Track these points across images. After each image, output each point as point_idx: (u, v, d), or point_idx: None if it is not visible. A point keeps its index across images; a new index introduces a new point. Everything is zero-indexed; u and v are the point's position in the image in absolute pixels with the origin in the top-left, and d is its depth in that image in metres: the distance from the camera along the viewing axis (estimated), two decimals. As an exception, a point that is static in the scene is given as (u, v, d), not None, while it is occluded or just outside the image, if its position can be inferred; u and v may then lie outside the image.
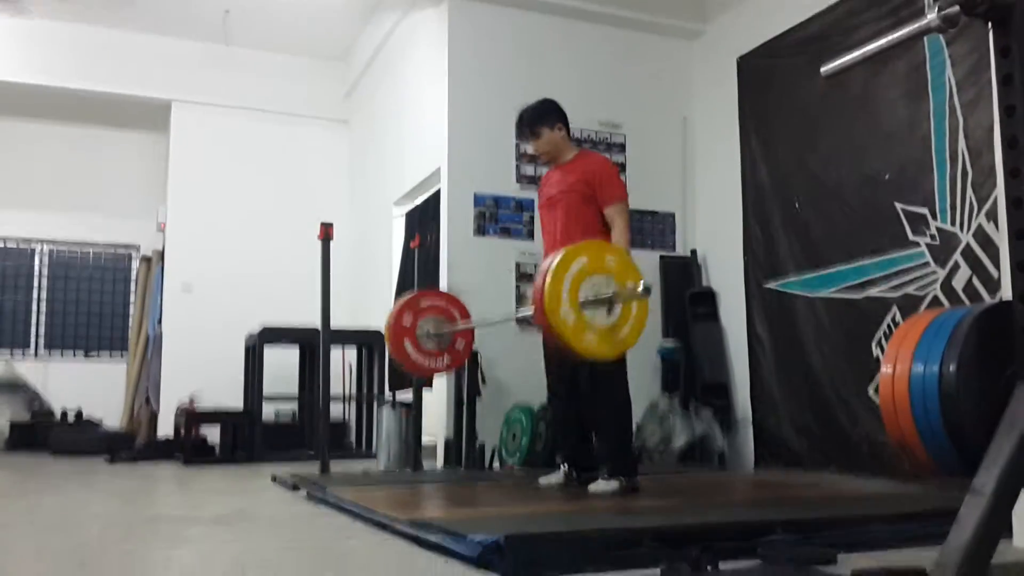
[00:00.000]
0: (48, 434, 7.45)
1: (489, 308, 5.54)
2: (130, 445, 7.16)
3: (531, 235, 5.73)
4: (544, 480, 3.98)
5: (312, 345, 6.99)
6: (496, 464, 5.30)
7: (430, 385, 5.80)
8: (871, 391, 4.54)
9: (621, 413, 3.81)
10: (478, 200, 5.70)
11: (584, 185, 3.82)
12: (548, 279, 3.00)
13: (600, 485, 3.64)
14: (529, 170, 5.82)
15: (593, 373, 3.71)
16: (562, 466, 3.98)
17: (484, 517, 2.97)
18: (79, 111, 8.53)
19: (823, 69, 2.46)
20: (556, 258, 3.06)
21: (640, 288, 2.94)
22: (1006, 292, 3.82)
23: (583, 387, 3.80)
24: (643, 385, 5.67)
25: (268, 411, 7.18)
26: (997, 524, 1.75)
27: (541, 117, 4.01)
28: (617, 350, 3.06)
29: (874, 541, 2.59)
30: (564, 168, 3.98)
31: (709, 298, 5.96)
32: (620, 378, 3.76)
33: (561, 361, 3.88)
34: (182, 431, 6.48)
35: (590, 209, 3.83)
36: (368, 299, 7.73)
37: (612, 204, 3.71)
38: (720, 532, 2.57)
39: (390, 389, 6.48)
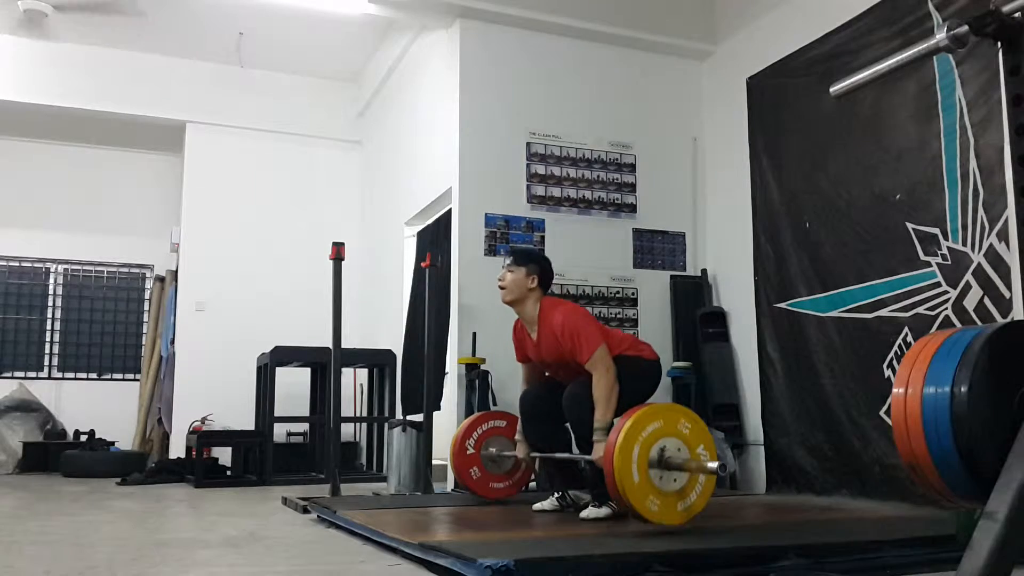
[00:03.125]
0: (60, 455, 7.47)
1: (499, 328, 5.54)
2: (142, 466, 7.17)
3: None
4: (537, 505, 3.97)
5: (323, 366, 7.01)
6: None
7: (438, 407, 5.80)
8: (883, 413, 4.50)
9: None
10: (489, 220, 5.71)
11: (561, 354, 3.81)
12: (620, 439, 3.00)
13: (591, 512, 3.61)
14: (540, 190, 5.83)
15: (576, 391, 3.69)
16: (554, 493, 3.97)
17: (494, 541, 2.96)
18: (94, 132, 8.62)
19: (832, 89, 2.46)
20: (629, 419, 3.06)
21: (715, 466, 2.93)
22: (1018, 312, 3.83)
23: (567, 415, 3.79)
24: (654, 406, 5.66)
25: (279, 432, 7.19)
26: (1011, 550, 1.72)
27: (527, 258, 4.04)
28: (682, 518, 3.04)
29: (887, 567, 2.56)
30: (537, 333, 3.94)
31: (720, 318, 5.94)
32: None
33: (541, 418, 3.94)
34: (194, 452, 6.49)
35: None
36: (379, 319, 7.75)
37: (588, 359, 3.69)
38: (731, 558, 2.55)
39: (404, 413, 6.47)
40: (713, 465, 2.93)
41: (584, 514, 3.62)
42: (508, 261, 4.05)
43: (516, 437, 4.15)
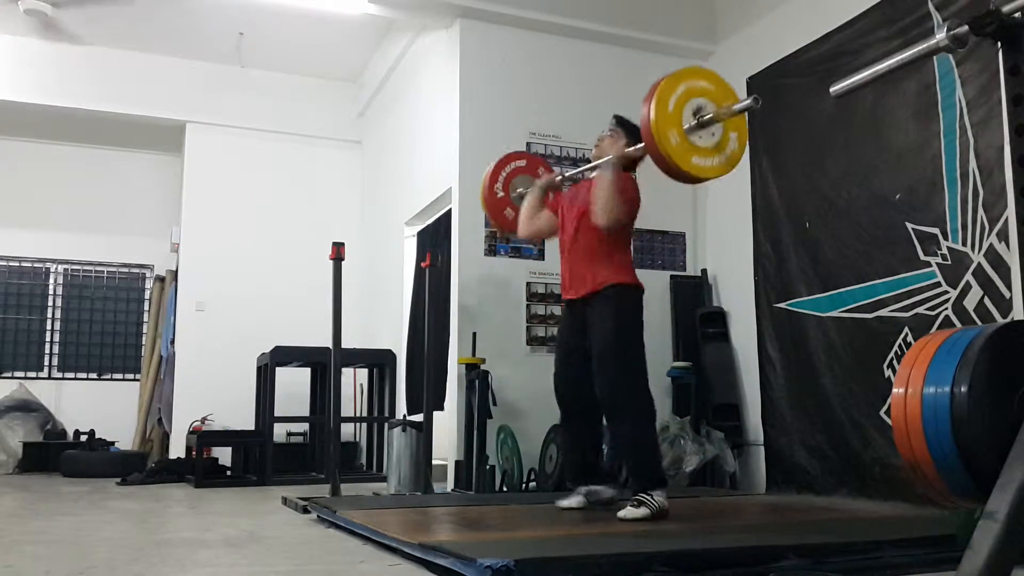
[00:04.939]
0: (60, 455, 7.47)
1: (499, 328, 5.56)
2: (142, 466, 7.17)
3: (542, 255, 5.73)
4: (563, 503, 3.89)
5: (323, 365, 7.01)
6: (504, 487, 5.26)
7: (442, 407, 5.80)
8: (883, 413, 4.50)
9: (640, 422, 3.67)
10: (489, 221, 5.70)
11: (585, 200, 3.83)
12: (653, 104, 3.11)
13: (629, 511, 3.49)
14: (539, 190, 5.82)
15: (611, 381, 3.65)
16: (577, 492, 3.90)
17: (494, 541, 2.96)
18: (95, 132, 8.62)
19: (833, 89, 2.46)
20: (658, 87, 3.19)
21: (747, 102, 3.03)
22: (1018, 312, 3.83)
23: (600, 398, 3.73)
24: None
25: (279, 432, 7.19)
26: (1011, 550, 1.73)
27: (627, 126, 4.04)
28: (726, 168, 3.19)
29: (886, 567, 2.56)
30: (584, 183, 3.97)
31: (720, 318, 5.94)
32: (641, 385, 3.70)
33: (574, 378, 3.89)
34: (194, 452, 6.49)
35: (596, 232, 3.82)
36: (379, 319, 7.75)
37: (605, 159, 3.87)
38: (731, 558, 2.55)
39: (409, 413, 6.47)
40: (741, 105, 3.08)
41: (622, 514, 3.48)
42: (613, 123, 4.10)
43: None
